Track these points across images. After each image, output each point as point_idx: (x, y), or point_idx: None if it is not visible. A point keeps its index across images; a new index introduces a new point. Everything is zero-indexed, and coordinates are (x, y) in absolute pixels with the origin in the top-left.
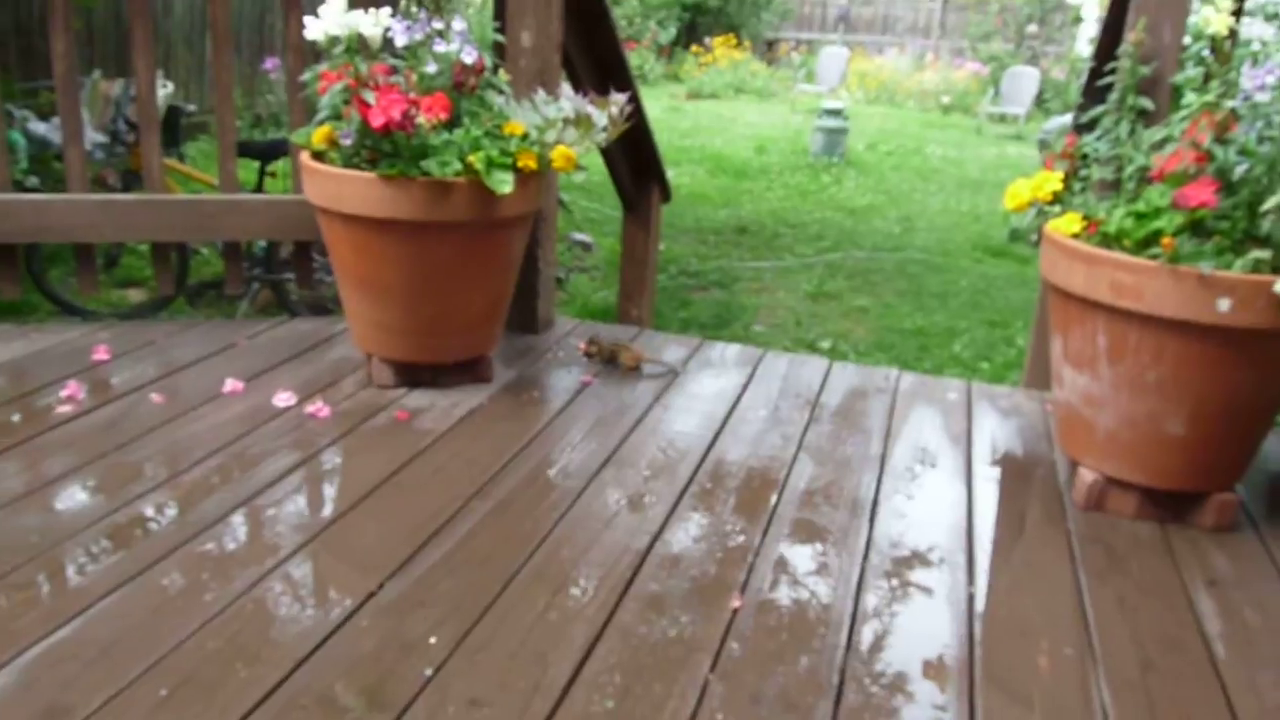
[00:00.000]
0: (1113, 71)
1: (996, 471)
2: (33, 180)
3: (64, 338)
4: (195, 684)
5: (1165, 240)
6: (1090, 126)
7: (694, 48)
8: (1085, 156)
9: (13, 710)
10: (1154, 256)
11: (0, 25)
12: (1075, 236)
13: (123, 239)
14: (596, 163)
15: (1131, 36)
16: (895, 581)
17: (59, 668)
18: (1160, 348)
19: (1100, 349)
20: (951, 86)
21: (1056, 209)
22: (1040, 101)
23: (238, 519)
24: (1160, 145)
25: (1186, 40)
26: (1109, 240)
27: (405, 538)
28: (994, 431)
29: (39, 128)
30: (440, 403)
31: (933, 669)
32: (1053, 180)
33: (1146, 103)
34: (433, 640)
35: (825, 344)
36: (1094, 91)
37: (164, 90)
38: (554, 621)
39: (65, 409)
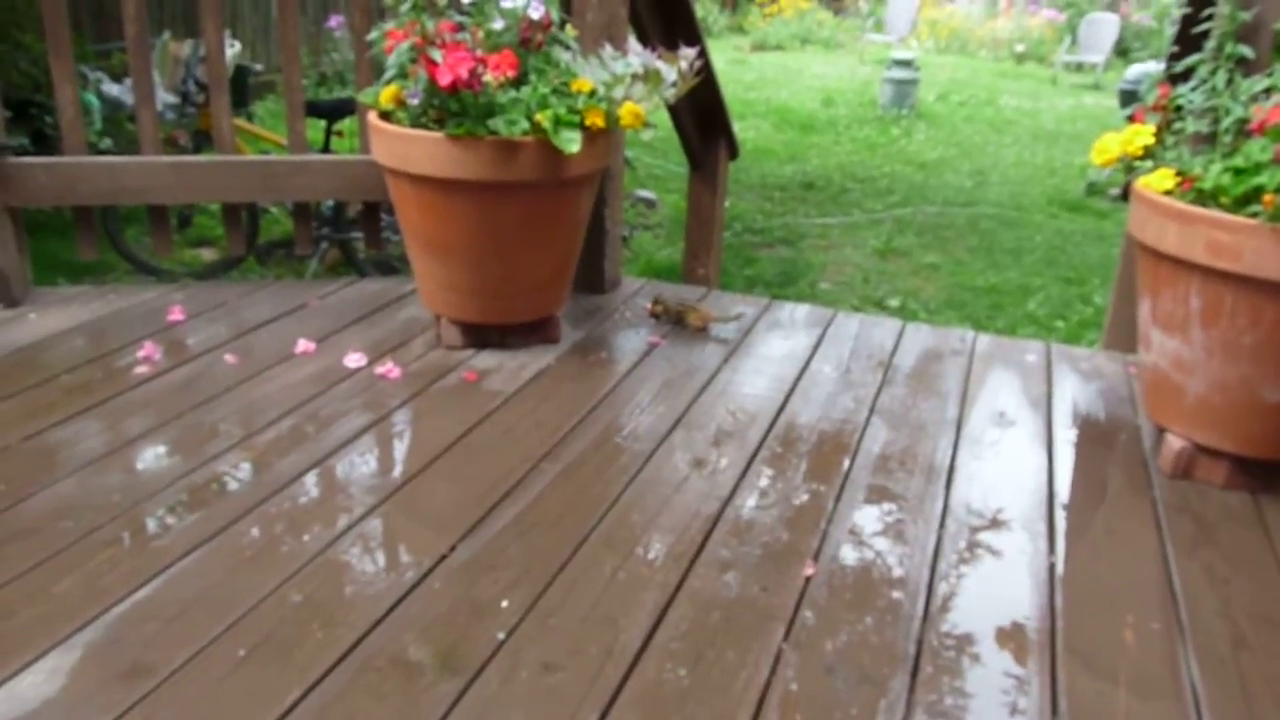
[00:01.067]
0: (1209, 17)
1: (1078, 436)
2: (106, 142)
3: (140, 299)
4: (273, 644)
5: (1266, 197)
6: (1184, 76)
7: None
8: (1179, 109)
9: (99, 667)
10: (1253, 214)
11: None
12: (1168, 193)
13: (194, 200)
14: (662, 120)
15: None
16: (972, 549)
17: (142, 625)
18: (1258, 310)
19: (1193, 311)
20: (1026, 34)
21: (1148, 164)
22: (1120, 49)
23: (311, 479)
24: (1261, 96)
25: None
26: (1204, 197)
27: (476, 500)
28: (1075, 395)
29: (112, 89)
30: (508, 364)
31: (1012, 640)
32: (1144, 134)
33: (1246, 50)
34: (504, 604)
35: (894, 302)
36: (1188, 39)
37: (231, 50)
38: (625, 586)
39: (142, 369)
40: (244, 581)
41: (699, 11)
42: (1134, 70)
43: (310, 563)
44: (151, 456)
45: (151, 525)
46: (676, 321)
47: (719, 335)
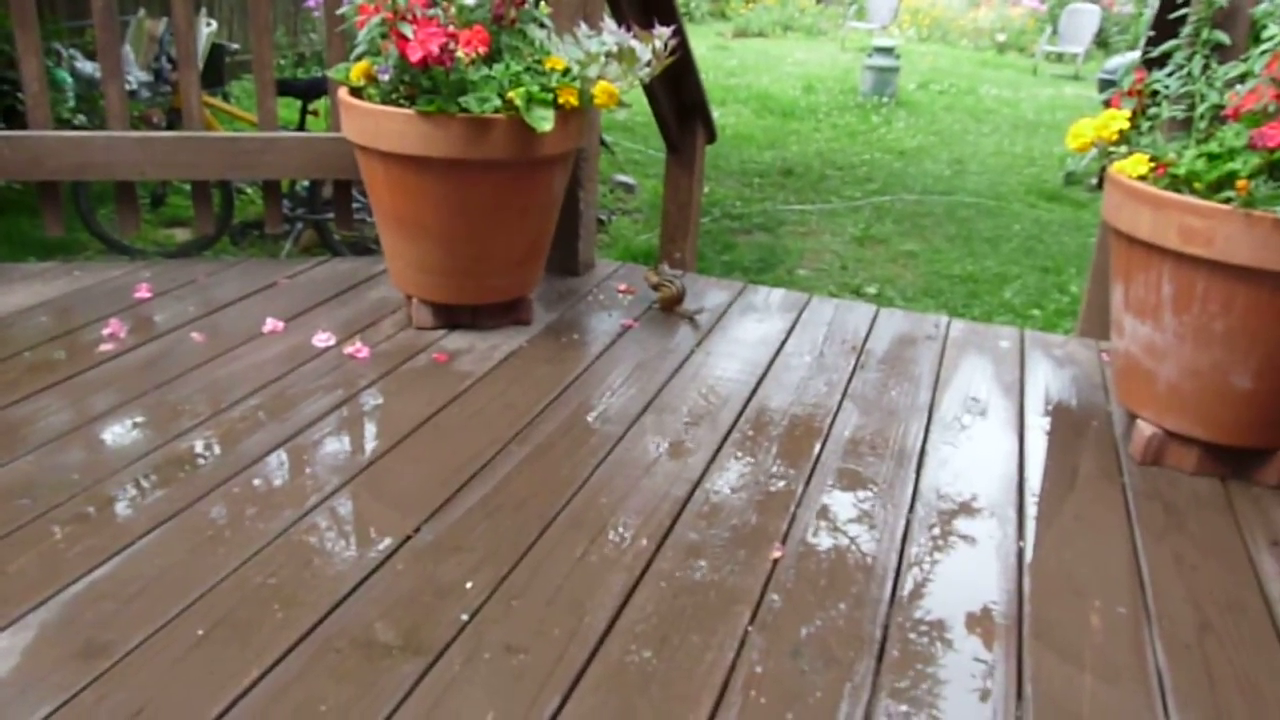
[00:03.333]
0: (1186, 3)
1: (1049, 422)
2: (80, 118)
3: (107, 276)
4: (231, 624)
5: (1240, 183)
6: (1160, 62)
7: None
8: (1155, 94)
9: (53, 646)
10: (1227, 200)
11: None
12: (1142, 178)
13: (161, 176)
14: (641, 103)
15: None
16: (941, 534)
17: (99, 605)
18: (1230, 296)
19: (1165, 297)
20: (1007, 24)
21: (1122, 149)
22: (1101, 40)
23: (276, 459)
24: (1237, 82)
25: None
26: (1178, 183)
27: (443, 481)
28: (1047, 381)
29: (86, 66)
30: (479, 345)
31: (979, 624)
32: (1119, 119)
33: (1222, 36)
34: (469, 585)
35: (871, 289)
36: (1165, 25)
37: (208, 29)
38: (591, 569)
39: (107, 347)
40: (205, 561)
41: None
42: (1114, 61)
43: (273, 542)
44: (114, 434)
45: (111, 504)
46: (655, 288)
47: (682, 312)
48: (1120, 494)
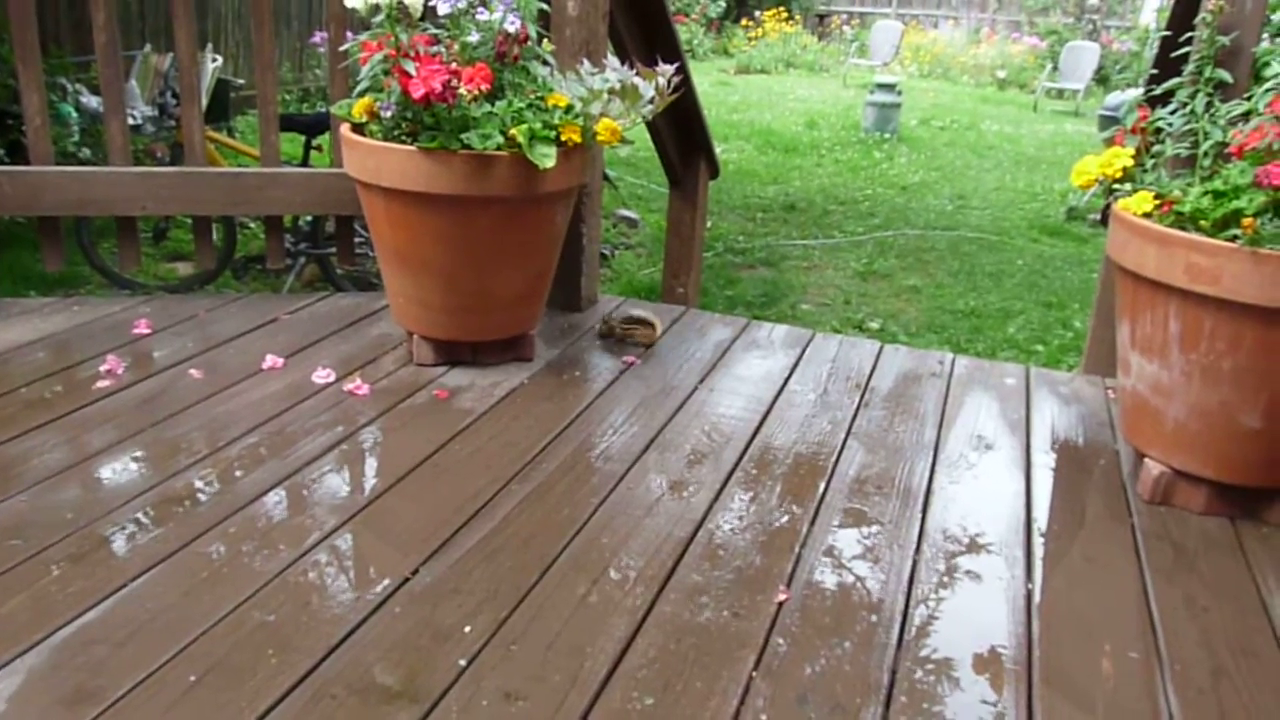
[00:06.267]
0: (1189, 41)
1: (1056, 461)
2: (85, 153)
3: (106, 311)
4: (225, 669)
5: (1246, 221)
6: (1163, 100)
7: (744, 21)
8: (1158, 131)
9: (41, 693)
10: (1233, 238)
11: None
12: (1147, 216)
13: (163, 212)
14: (644, 138)
15: (1210, 4)
16: (949, 575)
17: (90, 649)
18: (1238, 334)
19: (1172, 335)
20: (1008, 61)
21: (1127, 187)
22: (1100, 77)
23: (275, 498)
24: (1240, 120)
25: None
26: (1184, 220)
27: (442, 521)
28: (1054, 419)
29: (91, 101)
30: (480, 382)
31: (989, 669)
32: (1123, 156)
33: (1225, 75)
34: (467, 629)
35: (875, 324)
36: (1168, 63)
37: (213, 64)
38: (593, 612)
39: (105, 383)
40: (199, 603)
41: (684, 34)
42: (1114, 97)
43: (269, 584)
44: (110, 472)
45: (106, 544)
46: (620, 339)
47: (690, 353)
48: (1129, 534)
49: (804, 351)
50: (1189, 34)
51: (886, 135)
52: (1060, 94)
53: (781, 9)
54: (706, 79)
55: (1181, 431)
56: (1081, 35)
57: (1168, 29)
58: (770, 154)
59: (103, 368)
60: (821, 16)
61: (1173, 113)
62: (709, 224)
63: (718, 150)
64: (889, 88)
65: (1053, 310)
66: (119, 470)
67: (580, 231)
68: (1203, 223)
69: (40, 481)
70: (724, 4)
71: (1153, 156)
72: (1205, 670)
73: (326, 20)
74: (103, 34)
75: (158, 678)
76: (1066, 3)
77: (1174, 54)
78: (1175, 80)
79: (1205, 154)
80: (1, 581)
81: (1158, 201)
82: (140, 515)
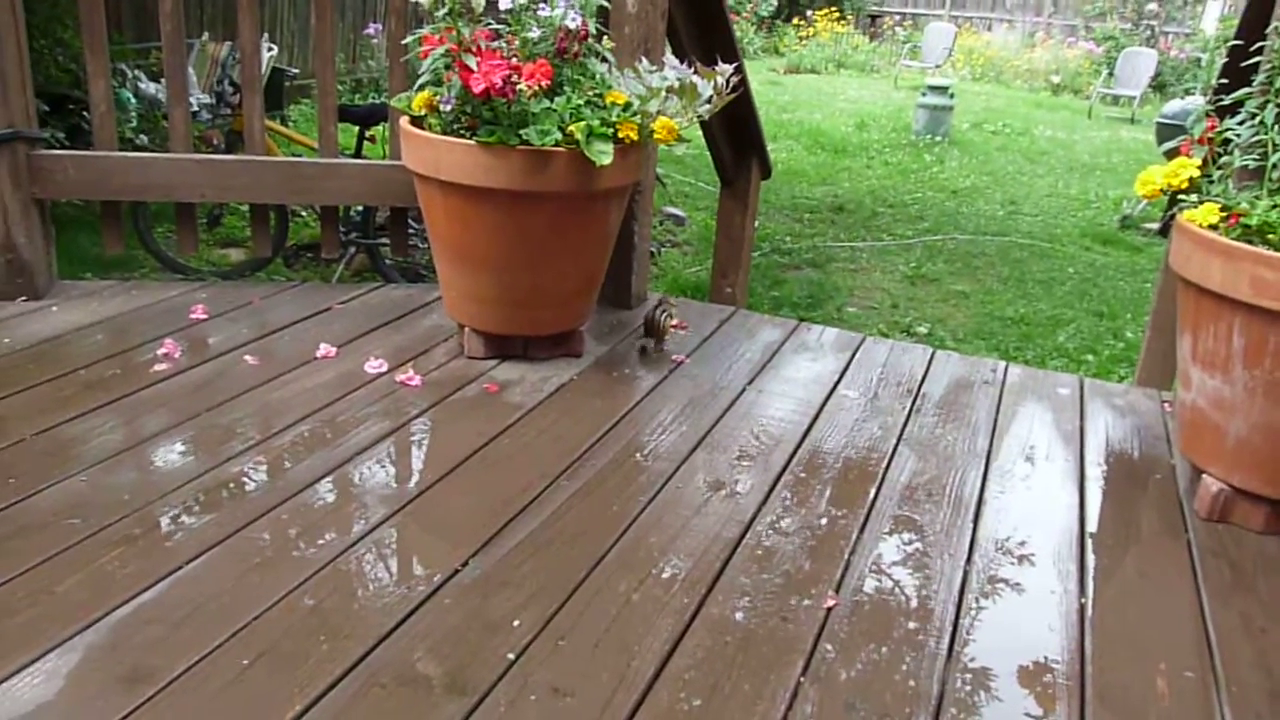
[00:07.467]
0: (1259, 51)
1: (1111, 473)
2: (142, 139)
3: (163, 296)
4: (276, 654)
5: None
6: (1232, 110)
7: (795, 20)
8: (1226, 142)
9: (98, 670)
10: None
11: None
12: (1213, 228)
13: (221, 199)
14: (693, 136)
15: None
16: (1000, 586)
17: (146, 629)
18: None
19: (1235, 350)
20: (1063, 66)
21: (1192, 198)
22: (1157, 84)
23: (326, 486)
24: None
25: None
26: (1251, 234)
27: (492, 514)
28: (1108, 431)
29: (149, 88)
30: (531, 376)
31: (1040, 684)
32: (1189, 166)
33: None
34: (516, 623)
35: (922, 328)
36: (1237, 72)
37: (269, 54)
38: (640, 611)
39: (162, 367)
40: (252, 587)
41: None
42: (1172, 105)
43: (320, 571)
44: (165, 456)
45: (161, 526)
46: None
47: (742, 356)
48: (1185, 550)
49: (854, 355)
50: (1259, 43)
51: (938, 138)
52: (1116, 100)
53: (833, 9)
54: (756, 77)
55: (1243, 448)
56: (1139, 41)
57: (1237, 38)
58: (819, 154)
59: (160, 351)
60: (874, 17)
61: (1241, 123)
62: (756, 223)
63: (767, 148)
64: (941, 90)
65: (1104, 320)
66: (174, 454)
67: (632, 229)
68: (1271, 236)
69: (99, 462)
70: (775, 3)
71: (1220, 168)
72: (1263, 693)
73: (386, 12)
74: (169, 22)
75: (211, 659)
76: (1124, 8)
77: (1244, 63)
78: (1244, 90)
79: (1274, 166)
80: (61, 559)
81: (1224, 214)
82: (194, 499)
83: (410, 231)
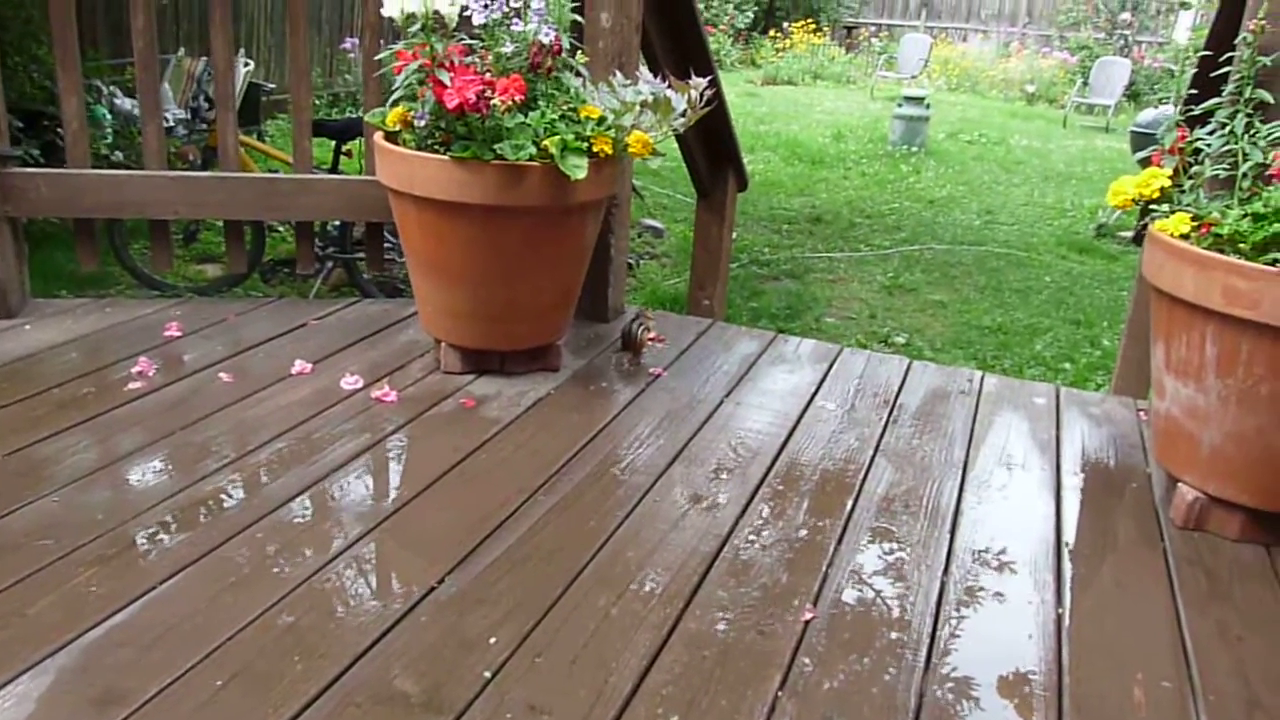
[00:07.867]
0: (1228, 61)
1: (1087, 483)
2: (118, 155)
3: (137, 313)
4: (251, 675)
5: None
6: (1202, 120)
7: (771, 32)
8: (1197, 152)
9: (71, 692)
10: (1273, 261)
11: (90, 1)
12: (1185, 238)
13: (196, 215)
14: (671, 148)
15: (1251, 24)
16: (978, 597)
17: (118, 651)
18: (1276, 360)
19: (1208, 359)
20: (1037, 76)
21: (1164, 207)
22: (1131, 93)
23: (302, 504)
24: None
25: None
26: (1222, 243)
27: (468, 530)
28: (1084, 440)
29: (125, 104)
30: (507, 391)
31: (1017, 694)
32: (1160, 176)
33: (1266, 95)
34: (493, 640)
35: (900, 338)
36: (1207, 82)
37: (245, 69)
38: (618, 626)
39: (136, 385)
40: (226, 607)
41: (712, 44)
42: (1146, 114)
43: (295, 590)
44: (140, 475)
45: (135, 546)
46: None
47: (721, 366)
48: (1161, 559)
49: (831, 366)
50: (1229, 54)
51: (914, 149)
52: (1090, 109)
53: (810, 20)
54: (733, 89)
55: (1217, 456)
56: (1113, 51)
57: (1207, 48)
58: (796, 165)
59: (134, 369)
60: (850, 28)
61: (1211, 133)
62: (734, 235)
63: (744, 161)
64: (917, 101)
65: (1081, 328)
66: (148, 473)
67: (608, 242)
68: (1242, 245)
69: (71, 482)
70: (752, 15)
71: (1191, 177)
72: (1240, 701)
73: (361, 28)
74: (141, 39)
75: (185, 681)
76: (1098, 18)
77: (1213, 74)
78: (1214, 100)
79: (1244, 175)
80: (33, 581)
81: (1195, 223)
82: (169, 518)
83: (387, 246)
